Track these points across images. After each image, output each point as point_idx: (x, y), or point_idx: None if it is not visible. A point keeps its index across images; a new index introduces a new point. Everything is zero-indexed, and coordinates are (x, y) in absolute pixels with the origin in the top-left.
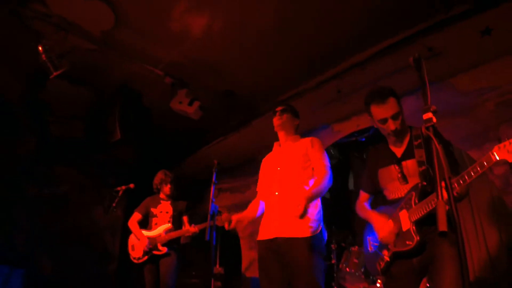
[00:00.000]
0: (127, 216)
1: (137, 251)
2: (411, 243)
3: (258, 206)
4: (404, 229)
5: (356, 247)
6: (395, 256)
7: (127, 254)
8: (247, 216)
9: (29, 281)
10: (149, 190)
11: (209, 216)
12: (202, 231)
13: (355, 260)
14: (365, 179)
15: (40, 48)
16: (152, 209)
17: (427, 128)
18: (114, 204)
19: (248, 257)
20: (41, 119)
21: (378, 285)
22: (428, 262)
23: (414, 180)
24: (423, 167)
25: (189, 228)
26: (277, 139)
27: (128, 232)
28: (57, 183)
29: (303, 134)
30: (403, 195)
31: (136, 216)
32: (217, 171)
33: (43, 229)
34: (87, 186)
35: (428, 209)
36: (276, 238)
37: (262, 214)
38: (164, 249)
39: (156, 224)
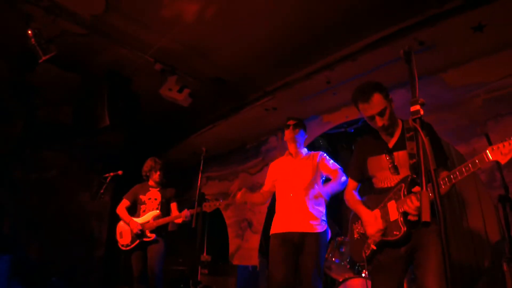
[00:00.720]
0: (115, 202)
1: (125, 238)
2: (398, 233)
3: (262, 198)
4: (392, 219)
5: (342, 237)
6: (382, 245)
7: (114, 241)
8: (253, 198)
9: (16, 266)
10: (136, 177)
11: (196, 203)
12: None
13: (341, 250)
14: (353, 167)
15: (29, 32)
16: (141, 196)
17: (414, 120)
18: (102, 191)
19: (235, 244)
20: (28, 103)
21: (363, 275)
22: (415, 250)
23: (404, 171)
24: (414, 160)
25: (180, 214)
26: (267, 131)
27: (115, 218)
28: (44, 168)
29: None
30: (392, 185)
31: (125, 203)
32: (206, 159)
33: (29, 214)
34: (74, 171)
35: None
36: (291, 232)
37: (261, 204)
38: (152, 236)
39: (144, 211)
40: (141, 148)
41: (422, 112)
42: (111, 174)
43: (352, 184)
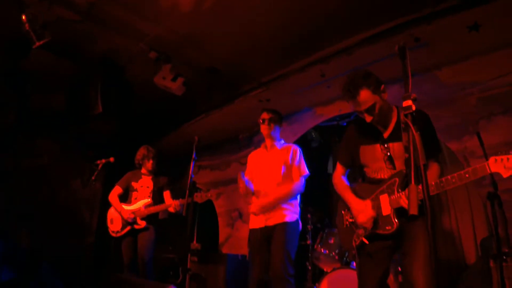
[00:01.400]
0: (106, 189)
1: (115, 224)
2: (390, 228)
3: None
4: (384, 213)
5: (332, 228)
6: (373, 237)
7: (105, 228)
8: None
9: (7, 252)
10: (128, 164)
11: (187, 192)
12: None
13: (330, 241)
14: (343, 153)
15: (23, 17)
16: (133, 183)
17: (405, 116)
18: (93, 178)
19: (225, 233)
20: (21, 90)
21: (353, 266)
22: (403, 240)
23: (400, 164)
24: (408, 154)
25: (172, 202)
26: (258, 120)
27: (106, 206)
28: (36, 155)
29: (286, 116)
30: (386, 177)
31: (117, 190)
32: (198, 148)
33: (21, 201)
34: (66, 159)
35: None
36: (263, 227)
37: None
38: (143, 223)
39: (136, 198)
40: (133, 136)
41: (414, 108)
42: (103, 161)
43: (341, 169)
